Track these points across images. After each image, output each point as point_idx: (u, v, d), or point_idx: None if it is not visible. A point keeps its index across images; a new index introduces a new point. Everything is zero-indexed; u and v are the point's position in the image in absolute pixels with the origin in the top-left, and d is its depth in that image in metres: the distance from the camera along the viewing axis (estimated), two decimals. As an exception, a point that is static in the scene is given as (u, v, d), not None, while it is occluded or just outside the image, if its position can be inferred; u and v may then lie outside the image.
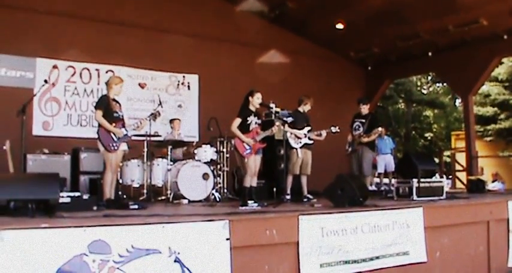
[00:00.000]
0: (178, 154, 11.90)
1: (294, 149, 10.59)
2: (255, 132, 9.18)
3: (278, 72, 15.15)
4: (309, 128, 10.74)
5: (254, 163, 9.21)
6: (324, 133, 10.73)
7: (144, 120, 9.18)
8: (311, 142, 10.76)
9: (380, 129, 11.70)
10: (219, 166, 11.63)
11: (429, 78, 36.22)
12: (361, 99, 12.09)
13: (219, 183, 11.49)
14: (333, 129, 10.78)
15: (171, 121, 12.48)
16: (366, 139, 11.49)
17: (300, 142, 10.62)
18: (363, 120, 11.58)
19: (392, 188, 11.19)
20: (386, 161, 14.53)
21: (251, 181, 9.23)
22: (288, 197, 10.42)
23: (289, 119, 10.27)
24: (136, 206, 8.06)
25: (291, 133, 10.51)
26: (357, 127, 11.53)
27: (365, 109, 11.76)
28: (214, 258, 5.84)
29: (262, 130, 9.38)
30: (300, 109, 10.96)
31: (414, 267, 7.90)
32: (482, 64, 15.02)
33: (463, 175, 17.26)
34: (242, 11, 14.95)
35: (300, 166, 10.69)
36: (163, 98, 11.87)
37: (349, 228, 7.19)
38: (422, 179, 9.67)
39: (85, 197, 7.76)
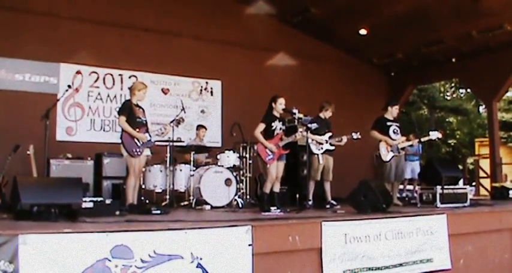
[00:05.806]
0: (201, 159, 11.88)
1: (316, 155, 10.55)
2: (278, 138, 9.16)
3: (300, 78, 15.14)
4: (330, 134, 10.70)
5: (276, 169, 9.17)
6: (344, 138, 10.64)
7: (167, 125, 9.22)
8: (332, 148, 10.70)
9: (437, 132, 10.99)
10: (241, 172, 11.58)
11: (453, 84, 35.95)
12: (393, 100, 11.64)
13: (242, 189, 11.44)
14: (354, 135, 10.65)
15: (198, 127, 12.52)
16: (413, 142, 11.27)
17: (322, 148, 10.58)
18: (397, 124, 10.93)
19: (415, 194, 11.09)
20: (412, 167, 14.39)
21: (273, 186, 9.21)
22: (310, 203, 10.39)
23: (313, 125, 10.20)
24: (158, 212, 8.02)
25: (313, 140, 10.46)
26: (395, 131, 10.76)
27: (396, 111, 11.02)
28: (237, 264, 5.82)
29: (285, 136, 9.36)
30: (321, 115, 10.91)
31: (438, 275, 7.85)
32: (506, 70, 14.87)
33: (486, 182, 17.12)
34: (265, 17, 14.94)
35: (322, 172, 10.65)
36: (186, 104, 11.76)
37: (373, 235, 7.16)
38: (446, 186, 9.60)
39: (108, 202, 7.77)
